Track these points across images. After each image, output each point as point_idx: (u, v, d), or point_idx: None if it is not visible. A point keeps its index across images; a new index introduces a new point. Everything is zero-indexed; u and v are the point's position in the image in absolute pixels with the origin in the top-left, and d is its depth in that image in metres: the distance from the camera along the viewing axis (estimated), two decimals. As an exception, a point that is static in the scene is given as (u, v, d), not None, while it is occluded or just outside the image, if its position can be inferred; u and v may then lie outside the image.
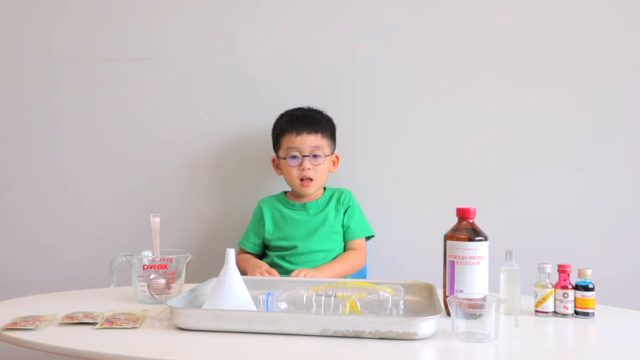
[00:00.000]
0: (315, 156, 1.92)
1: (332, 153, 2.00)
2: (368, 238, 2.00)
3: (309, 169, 1.91)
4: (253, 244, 1.99)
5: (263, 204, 2.01)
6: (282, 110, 2.01)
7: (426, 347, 1.12)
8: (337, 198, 1.98)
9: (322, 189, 2.01)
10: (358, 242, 1.96)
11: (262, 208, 2.00)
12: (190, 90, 2.18)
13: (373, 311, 1.27)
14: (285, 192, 2.03)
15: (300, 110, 2.00)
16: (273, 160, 2.02)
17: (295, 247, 1.91)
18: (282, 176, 2.00)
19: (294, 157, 1.92)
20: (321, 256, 1.91)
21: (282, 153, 1.96)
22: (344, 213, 1.96)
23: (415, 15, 2.09)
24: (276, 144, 1.99)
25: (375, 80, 2.11)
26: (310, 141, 1.92)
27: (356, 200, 2.00)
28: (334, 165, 2.01)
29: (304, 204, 1.97)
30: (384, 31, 2.10)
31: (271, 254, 1.95)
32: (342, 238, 1.96)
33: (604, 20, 2.04)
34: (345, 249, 1.96)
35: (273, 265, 1.92)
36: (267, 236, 1.96)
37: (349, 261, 1.90)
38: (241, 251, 2.01)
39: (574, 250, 2.01)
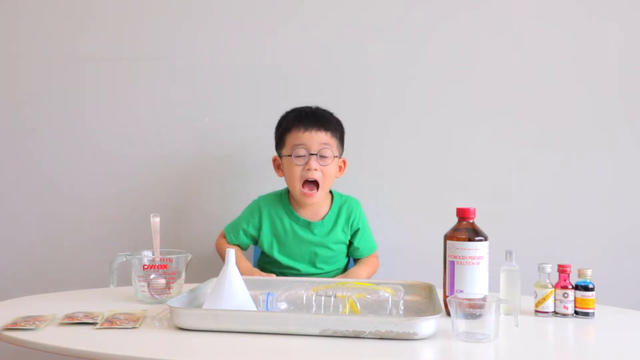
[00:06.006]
0: (323, 156, 1.76)
1: (340, 156, 1.85)
2: None
3: (315, 169, 1.74)
4: (241, 243, 1.87)
5: (263, 205, 1.87)
6: (284, 110, 1.95)
7: (426, 347, 1.12)
8: (346, 217, 1.85)
9: (329, 201, 1.88)
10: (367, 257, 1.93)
11: (261, 210, 1.86)
12: (190, 90, 2.18)
13: (373, 311, 1.27)
14: (288, 192, 1.88)
15: (308, 107, 1.86)
16: (274, 160, 1.88)
17: (297, 267, 1.83)
18: (283, 178, 1.90)
19: (299, 155, 1.75)
20: (322, 276, 1.84)
21: (286, 151, 1.79)
22: (353, 234, 1.87)
23: (428, 18, 2.10)
24: (280, 142, 1.83)
25: (373, 81, 2.12)
26: (319, 138, 1.75)
27: (365, 215, 1.90)
28: (340, 170, 1.86)
29: (309, 223, 1.82)
30: (390, 32, 2.11)
31: (270, 268, 1.86)
32: (345, 255, 1.91)
33: (604, 20, 2.04)
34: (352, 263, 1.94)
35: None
36: (265, 246, 1.85)
37: (372, 266, 1.87)
38: (227, 242, 1.88)
39: (574, 250, 2.01)
